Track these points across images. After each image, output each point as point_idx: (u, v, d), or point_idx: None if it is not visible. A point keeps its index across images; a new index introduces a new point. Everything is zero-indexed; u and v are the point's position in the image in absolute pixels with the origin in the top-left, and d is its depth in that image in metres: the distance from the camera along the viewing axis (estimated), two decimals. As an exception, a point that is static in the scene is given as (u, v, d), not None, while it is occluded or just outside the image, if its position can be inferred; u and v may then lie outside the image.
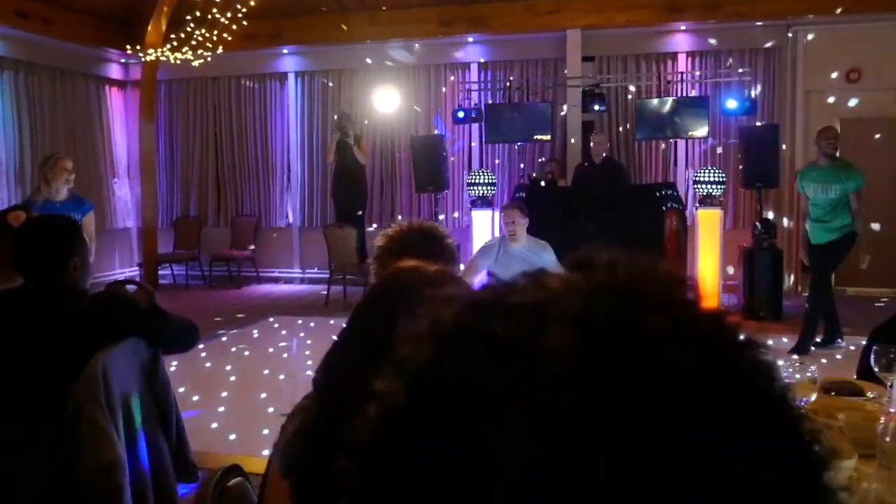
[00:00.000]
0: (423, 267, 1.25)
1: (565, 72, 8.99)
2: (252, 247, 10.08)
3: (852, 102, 8.63)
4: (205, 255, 10.12)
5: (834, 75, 8.63)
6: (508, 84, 8.85)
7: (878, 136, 8.72)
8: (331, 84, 10.01)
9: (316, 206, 10.18)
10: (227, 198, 10.54)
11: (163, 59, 8.94)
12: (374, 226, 9.27)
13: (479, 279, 4.69)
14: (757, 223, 7.59)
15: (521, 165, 9.40)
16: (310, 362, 6.27)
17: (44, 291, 2.26)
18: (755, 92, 8.57)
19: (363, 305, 1.16)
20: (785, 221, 8.68)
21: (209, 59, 8.81)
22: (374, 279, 1.93)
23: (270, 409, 4.73)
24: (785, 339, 6.57)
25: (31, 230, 2.34)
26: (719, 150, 8.70)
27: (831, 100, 8.70)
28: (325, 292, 8.72)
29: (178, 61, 8.86)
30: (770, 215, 8.21)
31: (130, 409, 2.32)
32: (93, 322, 2.22)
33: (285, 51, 9.99)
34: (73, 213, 4.81)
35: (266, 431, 4.39)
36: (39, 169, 5.35)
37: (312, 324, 7.60)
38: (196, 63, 8.86)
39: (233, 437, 4.30)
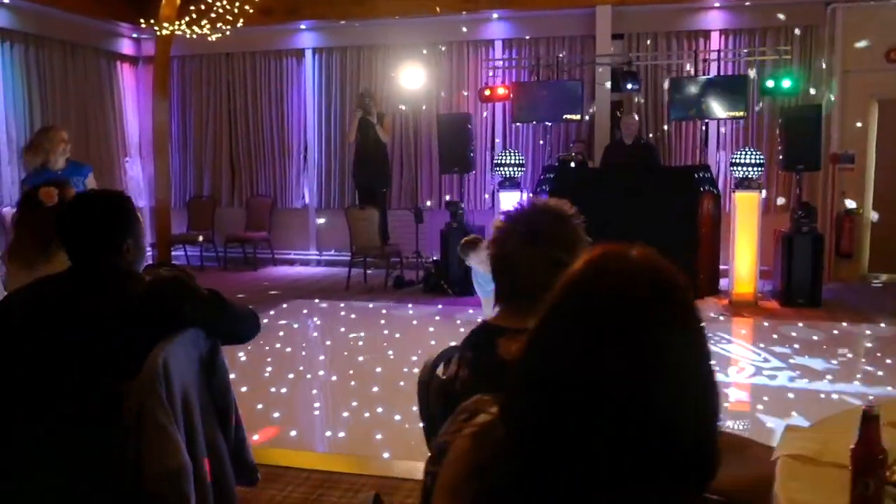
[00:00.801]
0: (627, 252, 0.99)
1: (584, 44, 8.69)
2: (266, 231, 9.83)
3: (891, 82, 8.33)
4: (219, 236, 9.88)
5: (872, 55, 8.33)
6: (536, 62, 8.54)
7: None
8: (350, 61, 9.70)
9: (333, 186, 9.91)
10: (241, 178, 10.27)
11: (178, 33, 8.62)
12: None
13: None
14: (798, 207, 7.33)
15: (542, 144, 9.14)
16: (327, 344, 6.04)
17: (95, 276, 2.01)
18: (807, 70, 8.28)
19: (573, 302, 0.92)
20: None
21: (227, 32, 8.51)
22: (497, 263, 1.65)
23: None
24: (831, 328, 6.36)
25: (81, 207, 2.08)
26: (771, 131, 8.39)
27: (869, 79, 8.40)
28: (346, 275, 8.47)
29: (194, 35, 8.55)
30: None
31: (190, 408, 2.07)
32: (151, 310, 1.97)
33: (303, 26, 9.68)
34: (74, 178, 4.54)
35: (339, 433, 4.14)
36: (36, 136, 5.10)
37: (339, 307, 7.37)
38: (213, 38, 8.56)
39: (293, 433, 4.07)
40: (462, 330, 6.65)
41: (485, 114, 9.16)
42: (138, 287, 2.01)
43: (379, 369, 5.18)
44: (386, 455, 3.71)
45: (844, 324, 6.46)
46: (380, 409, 4.34)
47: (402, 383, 4.72)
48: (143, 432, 1.90)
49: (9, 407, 1.93)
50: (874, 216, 6.42)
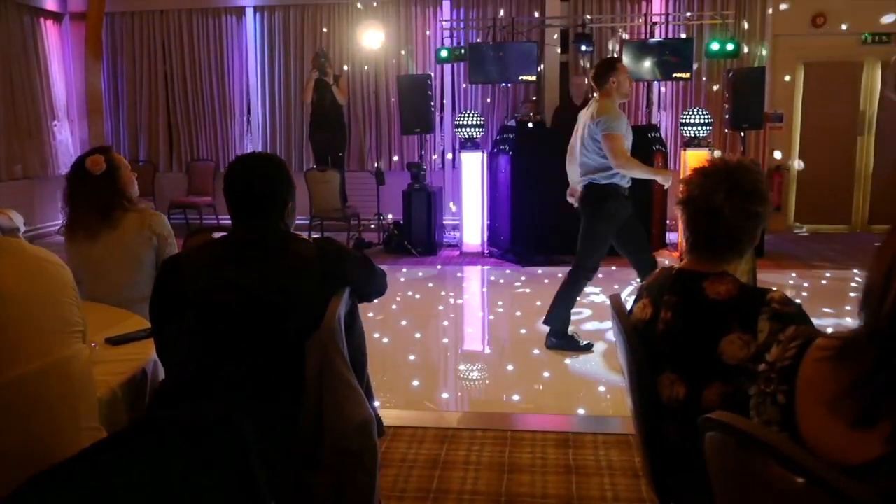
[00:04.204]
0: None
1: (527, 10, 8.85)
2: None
3: (817, 46, 8.93)
4: (160, 203, 9.55)
5: (800, 20, 8.88)
6: (493, 23, 8.64)
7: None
8: (294, 20, 9.50)
9: (279, 149, 9.73)
10: (180, 141, 9.94)
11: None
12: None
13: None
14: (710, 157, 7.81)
15: (492, 104, 9.31)
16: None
17: (266, 238, 2.04)
18: (743, 33, 8.72)
19: None
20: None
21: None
22: (700, 215, 1.80)
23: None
24: (785, 276, 6.87)
25: (249, 170, 2.07)
26: (711, 91, 8.78)
27: (797, 43, 8.96)
28: (305, 239, 8.40)
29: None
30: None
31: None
32: (324, 271, 2.02)
33: (243, -17, 9.40)
34: None
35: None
36: None
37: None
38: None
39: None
40: (467, 285, 6.84)
41: (451, 78, 9.22)
42: (308, 248, 2.05)
43: (419, 335, 5.26)
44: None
45: (793, 274, 7.00)
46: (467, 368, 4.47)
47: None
48: (327, 386, 1.97)
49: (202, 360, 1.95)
50: (799, 165, 7.01)
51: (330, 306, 2.00)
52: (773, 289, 1.75)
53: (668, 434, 1.81)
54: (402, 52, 9.28)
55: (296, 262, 2.01)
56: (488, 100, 9.29)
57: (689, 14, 8.76)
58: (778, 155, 9.11)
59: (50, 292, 1.54)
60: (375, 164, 8.76)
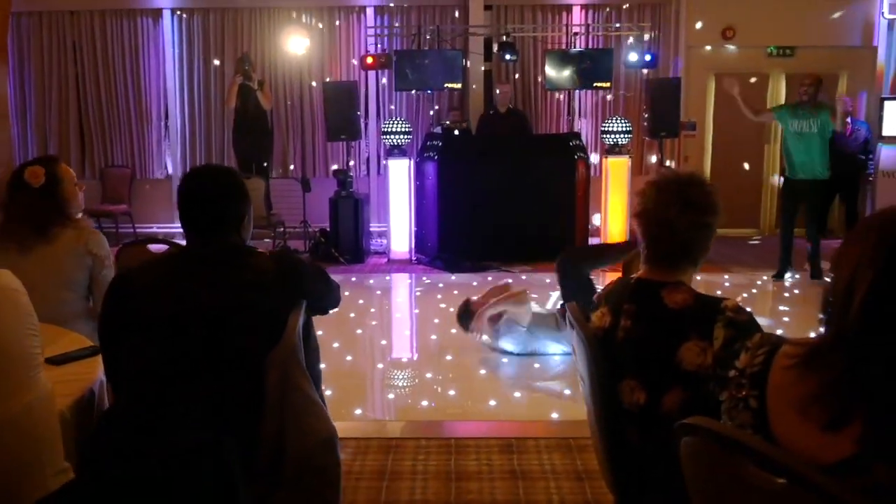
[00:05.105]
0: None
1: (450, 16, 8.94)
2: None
3: (726, 58, 9.35)
4: (72, 211, 9.16)
5: (711, 32, 9.28)
6: (418, 30, 8.67)
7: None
8: (213, 24, 9.29)
9: (199, 155, 9.49)
10: (93, 147, 9.56)
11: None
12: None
13: None
14: (662, 170, 8.10)
15: (418, 112, 9.36)
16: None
17: (222, 251, 1.99)
18: (659, 44, 9.04)
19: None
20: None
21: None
22: (655, 227, 1.86)
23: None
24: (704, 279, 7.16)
25: (204, 184, 2.01)
26: (630, 100, 9.05)
27: (708, 54, 9.36)
28: (228, 247, 8.21)
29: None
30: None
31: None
32: (283, 284, 1.99)
33: (158, -16, 9.14)
34: None
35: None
36: None
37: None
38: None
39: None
40: (397, 293, 6.83)
41: (382, 82, 9.21)
42: (265, 262, 2.02)
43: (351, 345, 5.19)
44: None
45: (700, 276, 7.28)
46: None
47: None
48: (288, 403, 1.94)
49: (154, 374, 1.89)
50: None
51: (289, 322, 1.97)
52: (727, 297, 1.84)
53: (629, 439, 1.87)
54: (327, 59, 9.22)
55: (253, 277, 1.97)
56: (434, 109, 9.31)
57: (617, 25, 9.02)
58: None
59: (8, 332, 1.43)
60: (301, 172, 8.65)
